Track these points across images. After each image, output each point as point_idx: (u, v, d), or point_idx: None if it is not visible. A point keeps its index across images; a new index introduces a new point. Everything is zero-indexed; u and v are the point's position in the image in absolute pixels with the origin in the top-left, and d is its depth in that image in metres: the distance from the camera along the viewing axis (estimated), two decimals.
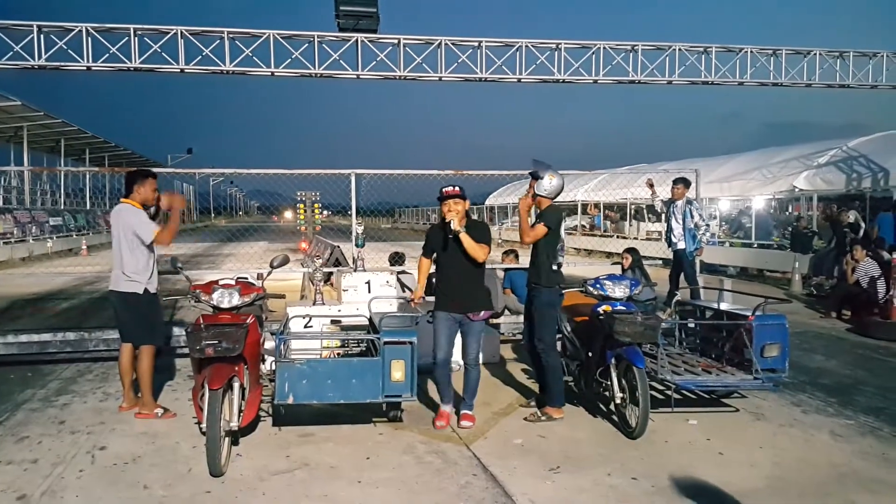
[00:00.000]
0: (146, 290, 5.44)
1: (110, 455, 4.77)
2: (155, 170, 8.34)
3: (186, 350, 5.58)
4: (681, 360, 6.10)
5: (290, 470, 4.50)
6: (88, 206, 37.82)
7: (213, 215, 79.99)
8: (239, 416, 4.61)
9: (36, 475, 4.39)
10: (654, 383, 5.72)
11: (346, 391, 4.88)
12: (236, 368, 4.56)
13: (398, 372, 4.90)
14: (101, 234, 33.61)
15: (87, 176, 39.48)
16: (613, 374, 5.27)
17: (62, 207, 33.23)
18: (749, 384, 5.61)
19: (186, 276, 5.20)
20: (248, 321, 4.69)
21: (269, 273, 5.46)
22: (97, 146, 38.56)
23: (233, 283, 4.87)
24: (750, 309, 5.90)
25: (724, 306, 6.35)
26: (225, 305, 4.74)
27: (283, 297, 5.55)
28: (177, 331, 7.49)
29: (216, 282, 4.85)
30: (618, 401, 5.23)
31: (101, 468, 4.54)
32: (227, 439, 4.54)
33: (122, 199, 5.58)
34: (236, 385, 4.57)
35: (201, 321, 4.61)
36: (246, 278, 5.56)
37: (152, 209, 5.57)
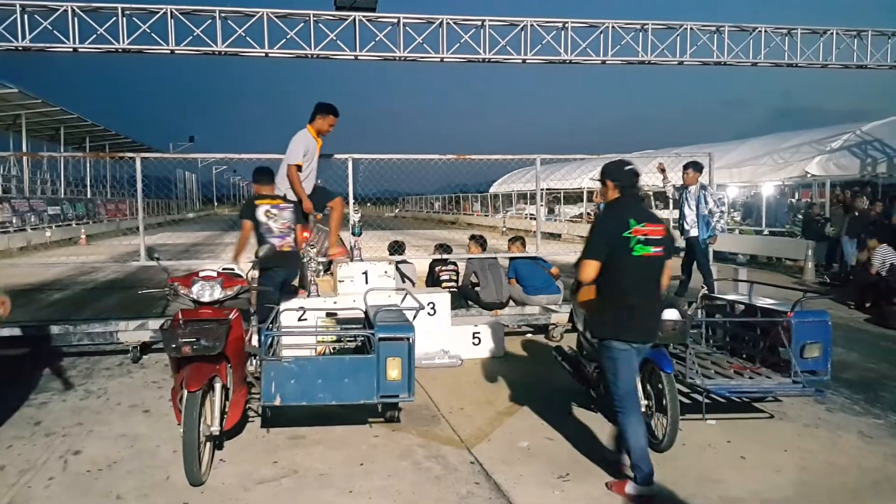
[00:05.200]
0: None
1: (85, 460, 4.44)
2: (156, 155, 8.38)
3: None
4: (710, 361, 5.62)
5: (277, 478, 4.15)
6: (89, 195, 37.51)
7: (215, 204, 79.65)
8: (221, 419, 4.26)
9: (0, 483, 4.05)
10: (680, 386, 5.23)
11: (338, 391, 4.52)
12: (217, 368, 4.19)
13: (394, 370, 4.52)
14: (101, 224, 33.37)
15: (88, 164, 39.16)
16: (637, 379, 4.69)
17: (62, 196, 32.92)
18: (789, 388, 5.08)
19: (164, 268, 4.82)
20: (230, 316, 4.33)
21: (254, 265, 5.09)
22: (97, 134, 38.15)
23: (214, 274, 4.49)
24: (787, 304, 5.40)
25: (757, 301, 5.79)
26: (206, 299, 4.36)
27: (269, 289, 5.18)
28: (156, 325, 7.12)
29: (196, 273, 4.47)
30: (642, 409, 4.62)
31: (72, 475, 4.22)
32: (208, 444, 4.20)
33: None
34: (218, 386, 4.21)
35: (180, 316, 4.24)
36: (232, 269, 5.18)
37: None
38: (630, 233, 3.80)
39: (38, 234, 24.72)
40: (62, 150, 35.16)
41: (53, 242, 24.79)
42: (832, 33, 13.03)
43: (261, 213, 6.13)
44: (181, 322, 4.16)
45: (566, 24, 12.05)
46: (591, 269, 3.84)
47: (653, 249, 3.85)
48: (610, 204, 4.02)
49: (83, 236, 26.44)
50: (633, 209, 3.94)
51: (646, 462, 3.86)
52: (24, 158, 30.19)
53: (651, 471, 3.85)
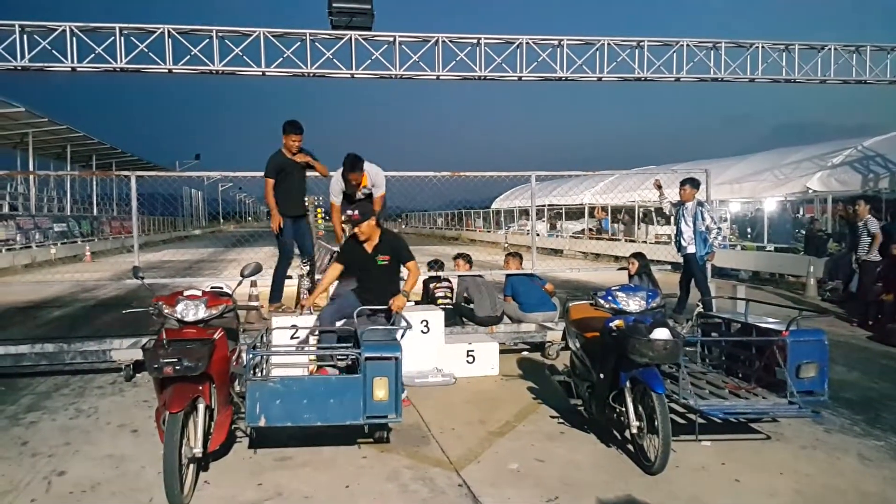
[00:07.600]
0: None
1: (68, 481, 4.39)
2: (151, 173, 8.44)
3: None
4: (704, 381, 5.52)
5: (260, 501, 4.08)
6: (95, 212, 37.67)
7: (221, 220, 79.94)
8: (205, 440, 4.21)
9: None
10: (673, 405, 5.12)
11: (324, 412, 4.45)
12: (201, 388, 4.14)
13: (381, 391, 4.46)
14: (106, 241, 33.47)
15: (95, 182, 39.34)
16: (629, 400, 4.64)
17: (68, 213, 33.07)
18: (784, 409, 4.96)
19: (148, 286, 4.79)
20: (215, 336, 4.28)
21: (240, 283, 5.06)
22: (104, 152, 38.42)
23: (199, 294, 4.46)
24: (782, 322, 5.30)
25: (752, 319, 5.69)
26: (190, 319, 4.33)
27: (256, 308, 5.14)
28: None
29: (181, 292, 4.44)
30: (634, 430, 4.58)
31: (55, 497, 4.16)
32: (191, 466, 4.14)
33: None
34: (201, 407, 4.16)
35: (164, 336, 4.21)
36: (220, 288, 5.15)
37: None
38: None
39: (44, 251, 24.77)
40: (68, 168, 35.39)
41: (58, 259, 24.84)
42: (830, 49, 13.00)
43: None
44: (164, 342, 4.12)
45: (562, 42, 12.06)
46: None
47: None
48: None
49: (88, 253, 26.52)
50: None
51: None
52: (31, 177, 30.32)
53: None
